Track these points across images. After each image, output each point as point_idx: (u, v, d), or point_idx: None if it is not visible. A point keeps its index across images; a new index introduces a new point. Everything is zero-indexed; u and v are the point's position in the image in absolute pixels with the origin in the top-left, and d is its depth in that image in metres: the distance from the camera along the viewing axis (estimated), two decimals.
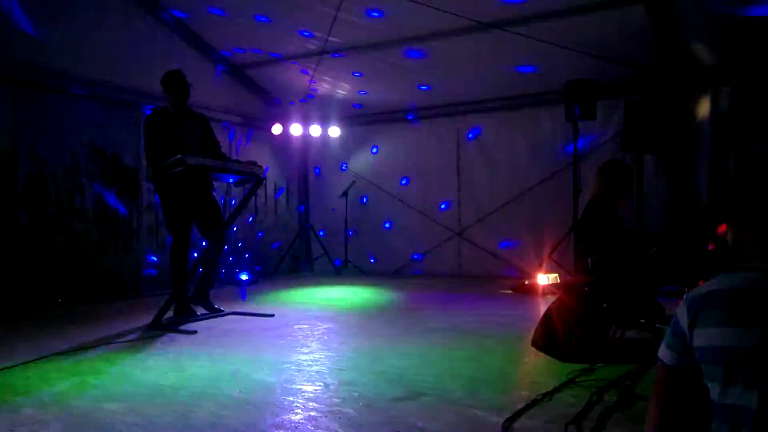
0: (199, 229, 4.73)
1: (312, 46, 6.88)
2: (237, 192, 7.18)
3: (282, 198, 8.68)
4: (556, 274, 6.09)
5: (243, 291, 6.08)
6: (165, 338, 3.94)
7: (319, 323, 4.51)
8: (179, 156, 4.10)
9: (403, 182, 8.17)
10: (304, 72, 7.38)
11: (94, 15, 5.94)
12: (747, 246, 1.30)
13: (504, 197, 7.40)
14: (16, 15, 5.29)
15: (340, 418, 2.32)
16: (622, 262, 3.95)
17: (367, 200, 8.47)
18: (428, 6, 5.45)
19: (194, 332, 4.07)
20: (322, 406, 2.48)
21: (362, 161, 8.46)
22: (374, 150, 8.42)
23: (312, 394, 2.65)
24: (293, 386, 2.77)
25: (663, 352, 1.37)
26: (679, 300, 1.36)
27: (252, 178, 4.70)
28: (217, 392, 2.70)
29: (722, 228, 5.59)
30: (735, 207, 1.33)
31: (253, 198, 5.91)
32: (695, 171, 6.27)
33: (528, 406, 2.37)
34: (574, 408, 2.34)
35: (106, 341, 3.84)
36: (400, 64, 7.05)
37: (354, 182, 8.15)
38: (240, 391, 2.70)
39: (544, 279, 5.96)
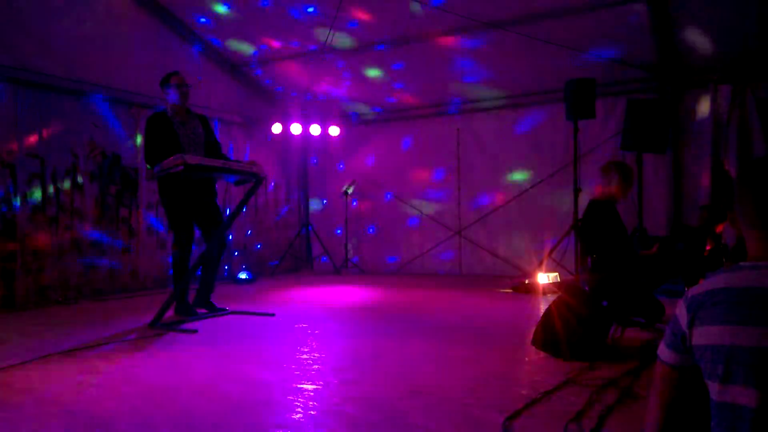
0: (199, 230, 4.74)
1: (313, 45, 6.89)
2: (237, 192, 7.18)
3: (282, 197, 8.68)
4: (557, 273, 6.09)
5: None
6: (166, 337, 3.94)
7: (320, 322, 4.51)
8: (179, 155, 4.10)
9: (403, 182, 8.16)
10: (305, 71, 7.38)
11: (94, 15, 5.94)
12: (747, 245, 1.30)
13: (504, 196, 7.41)
14: (16, 15, 5.29)
15: (340, 417, 2.32)
16: (622, 262, 3.96)
17: (367, 199, 8.46)
18: (425, 5, 5.46)
19: (195, 331, 4.08)
20: (323, 405, 2.49)
21: (362, 160, 8.46)
22: (372, 152, 8.41)
23: (313, 393, 2.65)
24: (294, 385, 2.78)
25: (663, 351, 1.38)
26: (680, 299, 1.36)
27: (252, 177, 4.70)
28: (217, 392, 2.70)
29: (721, 227, 5.59)
30: (735, 206, 1.33)
31: (254, 197, 5.90)
32: (695, 171, 6.28)
33: (528, 405, 2.37)
34: (575, 407, 2.34)
35: (106, 340, 3.84)
36: (396, 63, 7.07)
37: (354, 181, 8.15)
38: (241, 391, 2.70)
39: (544, 278, 5.95)
